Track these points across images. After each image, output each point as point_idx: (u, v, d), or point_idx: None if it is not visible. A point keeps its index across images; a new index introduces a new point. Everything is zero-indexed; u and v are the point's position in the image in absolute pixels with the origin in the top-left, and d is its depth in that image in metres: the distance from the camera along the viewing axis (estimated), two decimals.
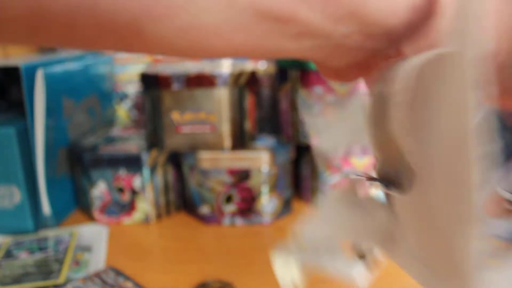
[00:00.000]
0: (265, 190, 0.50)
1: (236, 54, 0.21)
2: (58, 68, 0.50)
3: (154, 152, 0.51)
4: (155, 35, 0.18)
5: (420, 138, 0.16)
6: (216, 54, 0.20)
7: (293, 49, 0.20)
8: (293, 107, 0.53)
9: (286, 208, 0.53)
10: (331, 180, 0.52)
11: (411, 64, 0.16)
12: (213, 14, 0.18)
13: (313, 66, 0.50)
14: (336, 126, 0.28)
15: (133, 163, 0.50)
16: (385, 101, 0.18)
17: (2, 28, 0.17)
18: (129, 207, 0.52)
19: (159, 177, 0.52)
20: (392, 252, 0.22)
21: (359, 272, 0.26)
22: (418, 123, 0.16)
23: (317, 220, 0.26)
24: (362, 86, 0.50)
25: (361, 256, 0.27)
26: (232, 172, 0.50)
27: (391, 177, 0.19)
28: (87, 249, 0.45)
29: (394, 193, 0.19)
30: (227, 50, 0.20)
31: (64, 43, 0.19)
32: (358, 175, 0.22)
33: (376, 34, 0.20)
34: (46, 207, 0.49)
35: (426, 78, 0.15)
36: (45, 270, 0.41)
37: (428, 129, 0.15)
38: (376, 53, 0.21)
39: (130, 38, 0.18)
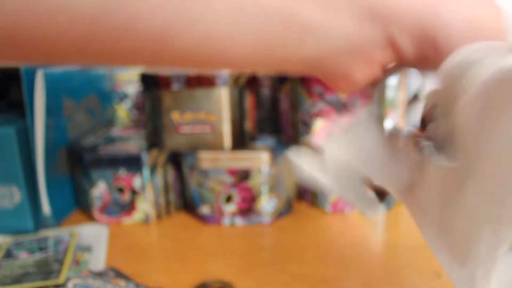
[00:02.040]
0: (265, 190, 0.50)
1: (250, 62, 0.21)
2: (58, 68, 0.50)
3: (154, 152, 0.51)
4: (180, 46, 0.19)
5: (484, 134, 0.17)
6: (231, 63, 0.21)
7: (310, 54, 0.21)
8: (293, 107, 0.53)
9: (286, 208, 0.53)
10: None
11: (485, 76, 0.17)
12: (227, 21, 0.19)
13: None
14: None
15: (133, 163, 0.50)
16: (453, 95, 0.19)
17: (56, 49, 0.18)
18: (129, 207, 0.52)
19: (159, 177, 0.52)
20: (409, 204, 0.23)
21: (374, 208, 0.27)
22: (484, 124, 0.17)
23: (346, 144, 0.27)
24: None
25: (380, 195, 0.28)
26: (232, 172, 0.50)
27: (442, 144, 0.21)
28: (87, 249, 0.45)
29: (439, 158, 0.20)
30: (242, 57, 0.20)
31: (104, 62, 0.20)
32: (414, 128, 0.23)
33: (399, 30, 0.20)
34: (46, 207, 0.49)
35: (499, 95, 0.16)
36: (45, 270, 0.41)
37: (493, 129, 0.17)
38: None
39: (160, 51, 0.19)
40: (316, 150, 0.28)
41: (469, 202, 0.17)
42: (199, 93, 0.49)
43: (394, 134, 0.26)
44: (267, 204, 0.51)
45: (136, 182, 0.51)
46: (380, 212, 0.27)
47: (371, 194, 0.28)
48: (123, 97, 0.70)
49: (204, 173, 0.50)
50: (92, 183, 0.52)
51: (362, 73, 0.22)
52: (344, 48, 0.21)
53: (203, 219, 0.52)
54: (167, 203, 0.54)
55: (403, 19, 0.20)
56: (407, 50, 0.21)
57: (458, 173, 0.18)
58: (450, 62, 0.19)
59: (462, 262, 0.18)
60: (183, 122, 0.50)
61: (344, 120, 0.29)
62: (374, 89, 0.26)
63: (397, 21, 0.20)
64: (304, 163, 0.27)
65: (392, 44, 0.21)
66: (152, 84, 0.50)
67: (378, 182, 0.26)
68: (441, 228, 0.20)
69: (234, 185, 0.50)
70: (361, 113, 0.28)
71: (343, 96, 0.50)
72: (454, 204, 0.18)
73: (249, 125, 0.53)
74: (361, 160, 0.26)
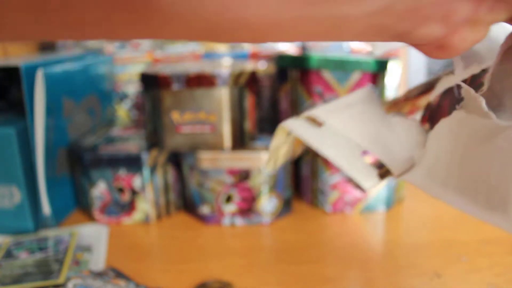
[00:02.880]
0: (265, 190, 0.50)
1: (283, 28, 0.16)
2: (58, 68, 0.50)
3: (154, 152, 0.51)
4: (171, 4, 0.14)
5: None
6: (257, 30, 0.16)
7: (356, 15, 0.16)
8: (293, 107, 0.53)
9: (286, 208, 0.53)
10: (331, 180, 0.52)
11: None
12: None
13: (313, 65, 0.50)
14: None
15: (133, 163, 0.50)
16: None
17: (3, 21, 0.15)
18: (129, 207, 0.52)
19: (159, 177, 0.52)
20: (413, 177, 0.24)
21: (372, 180, 0.27)
22: None
23: (346, 117, 0.26)
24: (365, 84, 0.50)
25: (377, 165, 0.27)
26: (232, 172, 0.50)
27: (493, 102, 0.22)
28: (87, 249, 0.45)
29: (485, 110, 0.20)
30: (271, 21, 0.15)
31: (67, 30, 0.16)
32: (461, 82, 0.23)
33: None
34: (46, 207, 0.49)
35: None
36: (45, 270, 0.41)
37: None
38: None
39: (143, 12, 0.15)
40: (315, 121, 0.27)
41: (503, 155, 0.19)
42: (199, 93, 0.49)
43: (396, 103, 0.26)
44: (267, 204, 0.51)
45: (136, 182, 0.51)
46: (377, 185, 0.27)
47: (370, 166, 0.27)
48: (123, 97, 0.70)
49: (204, 173, 0.50)
50: (92, 183, 0.52)
51: (465, 33, 0.18)
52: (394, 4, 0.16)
53: (203, 219, 0.52)
54: (167, 203, 0.54)
55: None
56: None
57: (494, 130, 0.19)
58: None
59: (503, 209, 0.19)
60: (183, 122, 0.50)
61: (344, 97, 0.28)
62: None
63: None
64: (303, 133, 0.27)
65: None
66: (152, 84, 0.50)
67: (377, 155, 0.26)
68: (470, 185, 0.20)
69: (234, 185, 0.50)
70: (362, 90, 0.27)
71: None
72: (487, 159, 0.19)
73: (249, 125, 0.53)
74: (361, 134, 0.26)
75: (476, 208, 0.20)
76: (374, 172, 0.27)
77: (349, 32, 0.17)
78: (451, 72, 0.24)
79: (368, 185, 0.27)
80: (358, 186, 0.48)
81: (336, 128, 0.26)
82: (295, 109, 0.53)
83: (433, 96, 0.26)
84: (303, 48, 0.68)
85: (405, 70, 0.63)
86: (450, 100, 0.24)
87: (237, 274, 0.41)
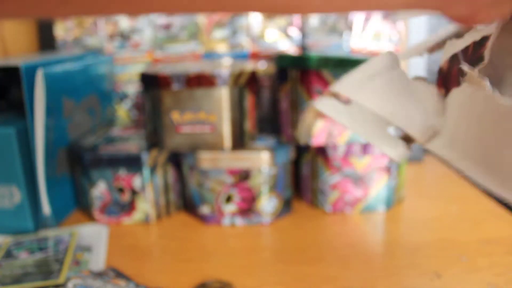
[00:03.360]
0: (265, 190, 0.50)
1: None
2: (58, 68, 0.50)
3: (154, 152, 0.51)
4: None
5: None
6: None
7: None
8: (293, 107, 0.53)
9: (286, 208, 0.53)
10: (331, 180, 0.52)
11: None
12: None
13: (313, 65, 0.50)
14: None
15: (133, 163, 0.50)
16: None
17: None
18: (129, 207, 0.52)
19: (159, 177, 0.52)
20: (437, 147, 0.24)
21: (400, 151, 0.28)
22: None
23: (370, 91, 0.27)
24: None
25: (403, 137, 0.29)
26: (232, 172, 0.50)
27: (492, 76, 0.22)
28: (87, 249, 0.45)
29: (486, 86, 0.21)
30: None
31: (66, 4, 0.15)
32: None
33: None
34: (46, 207, 0.49)
35: None
36: (45, 270, 0.41)
37: None
38: None
39: None
40: (340, 98, 0.29)
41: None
42: (199, 93, 0.49)
43: (420, 79, 0.26)
44: (267, 204, 0.51)
45: (136, 182, 0.51)
46: (405, 155, 0.28)
47: (397, 138, 0.29)
48: (123, 97, 0.70)
49: (204, 173, 0.50)
50: (92, 183, 0.52)
51: (490, 11, 0.18)
52: None
53: (203, 219, 0.52)
54: (167, 203, 0.54)
55: None
56: None
57: (502, 110, 0.20)
58: None
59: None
60: (183, 122, 0.50)
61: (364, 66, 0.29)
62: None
63: None
64: (331, 110, 0.28)
65: None
66: (152, 84, 0.50)
67: (403, 127, 0.27)
68: (487, 160, 0.21)
69: (234, 185, 0.50)
70: (382, 56, 0.27)
71: None
72: (499, 138, 0.20)
73: (249, 125, 0.53)
74: (385, 107, 0.27)
75: (494, 184, 0.20)
76: (401, 142, 0.29)
77: None
78: (456, 36, 0.25)
79: (397, 155, 0.28)
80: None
81: (362, 104, 0.27)
82: (295, 109, 0.53)
83: (442, 61, 0.26)
84: (303, 48, 0.68)
85: (405, 70, 0.63)
86: (458, 69, 0.24)
87: (237, 274, 0.41)
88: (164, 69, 0.52)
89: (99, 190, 0.52)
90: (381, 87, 0.27)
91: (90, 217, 0.54)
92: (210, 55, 0.68)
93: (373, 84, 0.27)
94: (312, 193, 0.55)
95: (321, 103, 0.29)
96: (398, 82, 0.27)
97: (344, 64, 0.49)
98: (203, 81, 0.49)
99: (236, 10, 0.17)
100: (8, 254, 0.44)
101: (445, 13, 0.20)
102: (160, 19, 0.67)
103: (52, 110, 0.48)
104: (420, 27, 0.65)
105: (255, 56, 0.68)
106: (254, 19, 0.67)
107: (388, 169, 0.52)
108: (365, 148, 0.51)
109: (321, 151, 0.52)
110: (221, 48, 0.68)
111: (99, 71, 0.63)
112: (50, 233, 0.48)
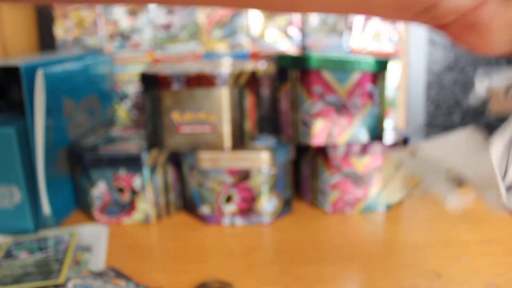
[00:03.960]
0: (265, 190, 0.50)
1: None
2: (58, 68, 0.50)
3: (154, 152, 0.51)
4: None
5: None
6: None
7: None
8: (293, 107, 0.53)
9: (286, 208, 0.53)
10: (331, 180, 0.52)
11: None
12: None
13: (313, 65, 0.50)
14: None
15: (133, 163, 0.50)
16: None
17: None
18: (129, 207, 0.52)
19: (159, 177, 0.52)
20: (489, 198, 0.28)
21: (454, 197, 0.31)
22: None
23: (444, 146, 0.30)
24: (364, 85, 0.50)
25: (460, 186, 0.31)
26: (232, 172, 0.50)
27: None
28: (87, 249, 0.45)
29: None
30: None
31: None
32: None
33: None
34: (46, 207, 0.49)
35: None
36: (45, 270, 0.41)
37: None
38: None
39: None
40: (414, 152, 0.32)
41: None
42: (199, 93, 0.49)
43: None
44: (267, 204, 0.51)
45: (136, 182, 0.51)
46: (460, 204, 0.31)
47: (455, 188, 0.31)
48: (123, 97, 0.70)
49: (204, 173, 0.50)
50: (92, 183, 0.52)
51: (493, 5, 0.16)
52: None
53: (203, 219, 0.52)
54: (167, 203, 0.54)
55: None
56: None
57: None
58: None
59: None
60: (183, 122, 0.50)
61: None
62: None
63: None
64: (406, 162, 0.32)
65: None
66: (152, 84, 0.50)
67: (464, 177, 0.29)
68: None
69: (234, 185, 0.50)
70: (466, 130, 0.30)
71: (342, 96, 0.50)
72: None
73: (249, 125, 0.53)
74: (450, 158, 0.30)
75: None
76: (456, 190, 0.31)
77: (374, 5, 0.16)
78: None
79: (452, 204, 0.31)
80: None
81: (428, 154, 0.30)
82: (295, 109, 0.53)
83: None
84: (303, 48, 0.68)
85: (405, 70, 0.63)
86: None
87: (237, 274, 0.41)
88: (164, 69, 0.52)
89: (99, 190, 0.52)
90: (453, 145, 0.30)
91: (90, 217, 0.54)
92: (210, 55, 0.68)
93: (445, 144, 0.30)
94: (312, 193, 0.55)
95: (397, 155, 0.33)
96: (477, 150, 0.29)
97: (344, 64, 0.49)
98: (203, 81, 0.49)
99: (236, 6, 0.16)
100: (8, 254, 0.44)
101: (440, 14, 0.18)
102: (160, 19, 0.67)
103: (52, 110, 0.48)
104: (420, 27, 0.65)
105: (255, 56, 0.68)
106: (254, 19, 0.67)
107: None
108: (365, 148, 0.51)
109: (321, 151, 0.52)
110: (221, 48, 0.68)
111: (99, 71, 0.63)
112: (50, 233, 0.48)
